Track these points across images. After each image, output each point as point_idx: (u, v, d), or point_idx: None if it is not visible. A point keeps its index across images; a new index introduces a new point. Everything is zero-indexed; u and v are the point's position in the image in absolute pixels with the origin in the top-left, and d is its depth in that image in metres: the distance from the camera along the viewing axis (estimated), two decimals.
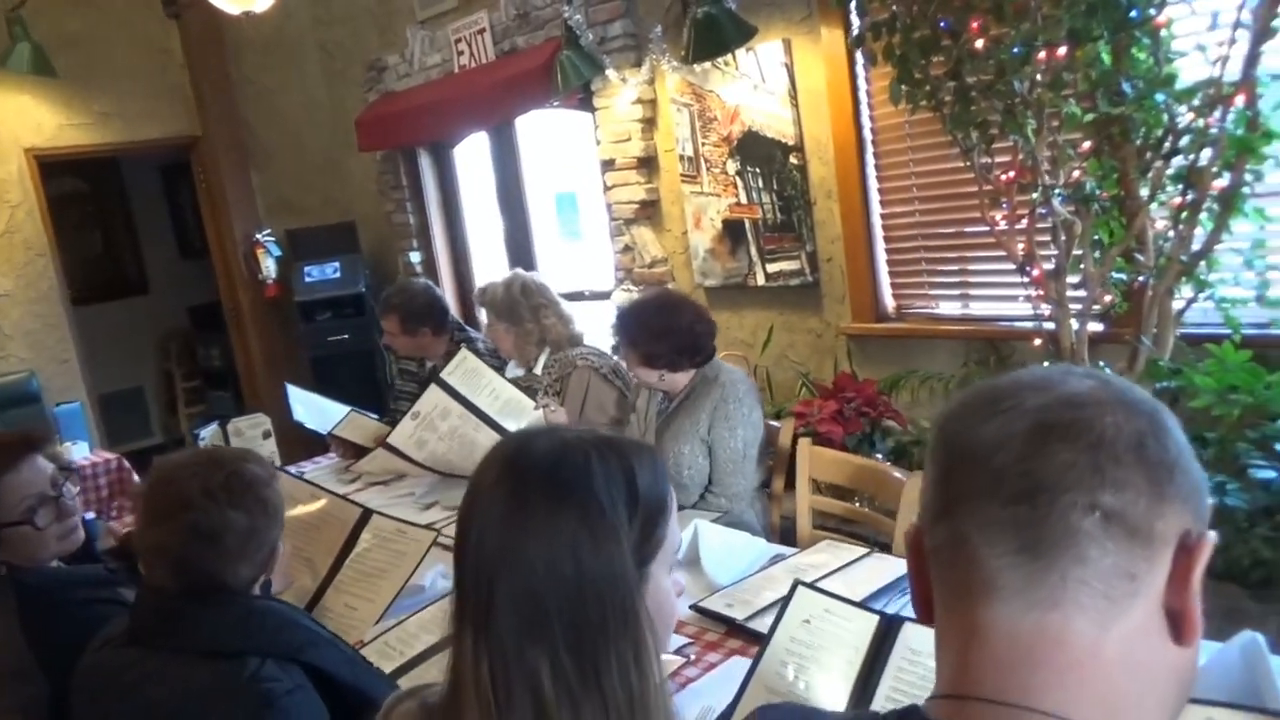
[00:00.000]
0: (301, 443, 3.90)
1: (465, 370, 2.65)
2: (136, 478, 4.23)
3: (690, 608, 1.75)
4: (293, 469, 3.25)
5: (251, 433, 3.28)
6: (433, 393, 2.64)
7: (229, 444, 3.24)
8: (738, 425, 2.34)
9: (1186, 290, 2.43)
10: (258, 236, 5.86)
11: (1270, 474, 2.26)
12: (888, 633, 1.21)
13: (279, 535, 1.43)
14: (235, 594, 1.35)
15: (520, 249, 5.20)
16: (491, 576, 0.84)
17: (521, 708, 0.81)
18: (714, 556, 1.90)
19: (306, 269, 5.63)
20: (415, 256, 5.60)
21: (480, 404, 2.59)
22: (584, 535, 0.84)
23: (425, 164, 5.52)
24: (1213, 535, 0.64)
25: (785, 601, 1.34)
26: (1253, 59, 2.12)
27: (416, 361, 3.50)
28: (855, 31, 3.15)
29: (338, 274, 5.65)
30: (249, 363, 6.16)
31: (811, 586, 1.36)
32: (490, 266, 5.54)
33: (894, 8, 2.64)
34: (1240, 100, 2.16)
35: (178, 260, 7.58)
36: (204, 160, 5.92)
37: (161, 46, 5.73)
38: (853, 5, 3.01)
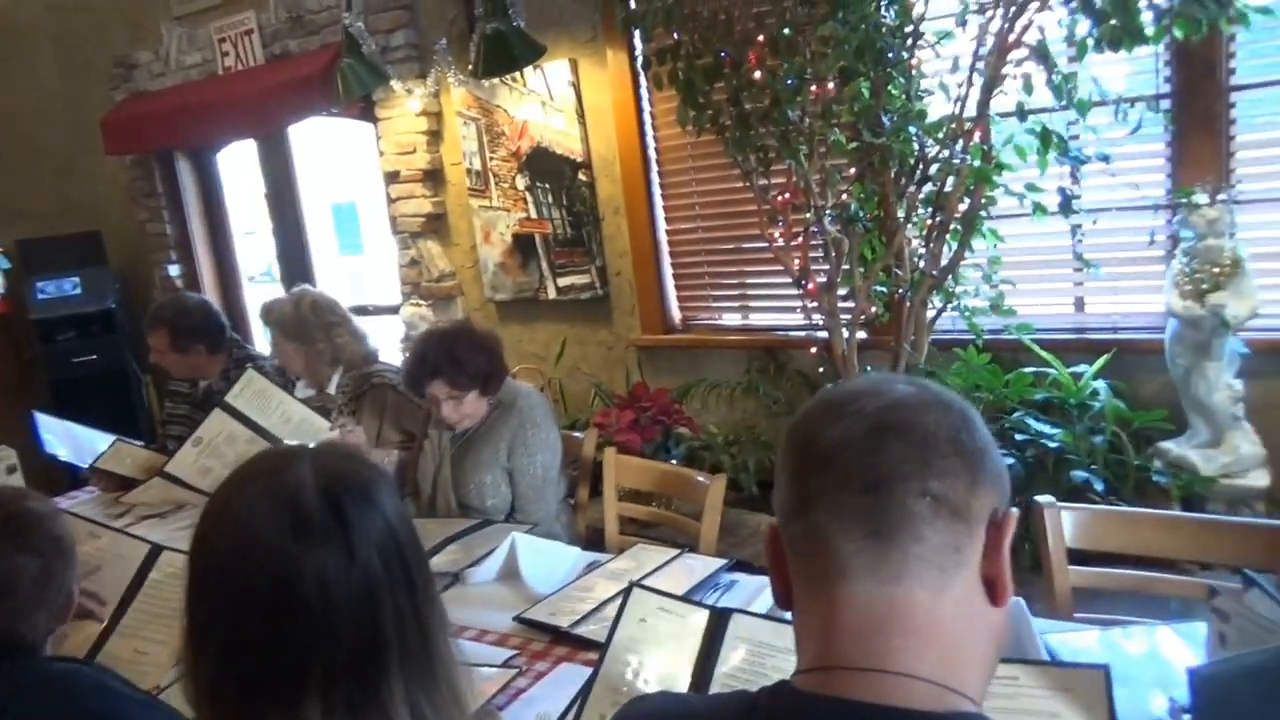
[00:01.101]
0: (51, 477, 3.52)
1: (253, 392, 2.50)
2: None
3: (514, 619, 1.77)
4: None
5: None
6: (216, 418, 2.48)
7: None
8: (537, 451, 2.32)
9: (937, 301, 2.74)
10: None
11: (1010, 460, 2.59)
12: (719, 624, 1.30)
13: (75, 575, 1.31)
14: (32, 654, 1.21)
15: (295, 262, 4.96)
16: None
17: None
18: (533, 567, 1.92)
19: (40, 285, 5.06)
20: (174, 270, 5.19)
21: (270, 427, 2.46)
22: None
23: (184, 170, 5.14)
24: (1015, 511, 0.77)
25: (622, 603, 1.40)
26: (986, 100, 2.43)
27: (189, 382, 3.24)
28: (640, 56, 3.29)
29: (78, 290, 5.11)
30: None
31: (645, 587, 1.43)
32: (261, 280, 5.24)
33: (677, 35, 2.79)
34: (977, 135, 2.48)
35: None
36: None
37: None
38: (636, 31, 3.14)
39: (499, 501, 2.29)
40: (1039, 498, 1.77)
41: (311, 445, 0.98)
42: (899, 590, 0.72)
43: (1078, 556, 1.74)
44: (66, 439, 3.09)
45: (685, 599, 1.42)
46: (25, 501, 1.31)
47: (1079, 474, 2.45)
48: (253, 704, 0.86)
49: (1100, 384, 2.66)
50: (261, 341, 3.98)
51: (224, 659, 0.87)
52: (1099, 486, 2.43)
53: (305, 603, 0.87)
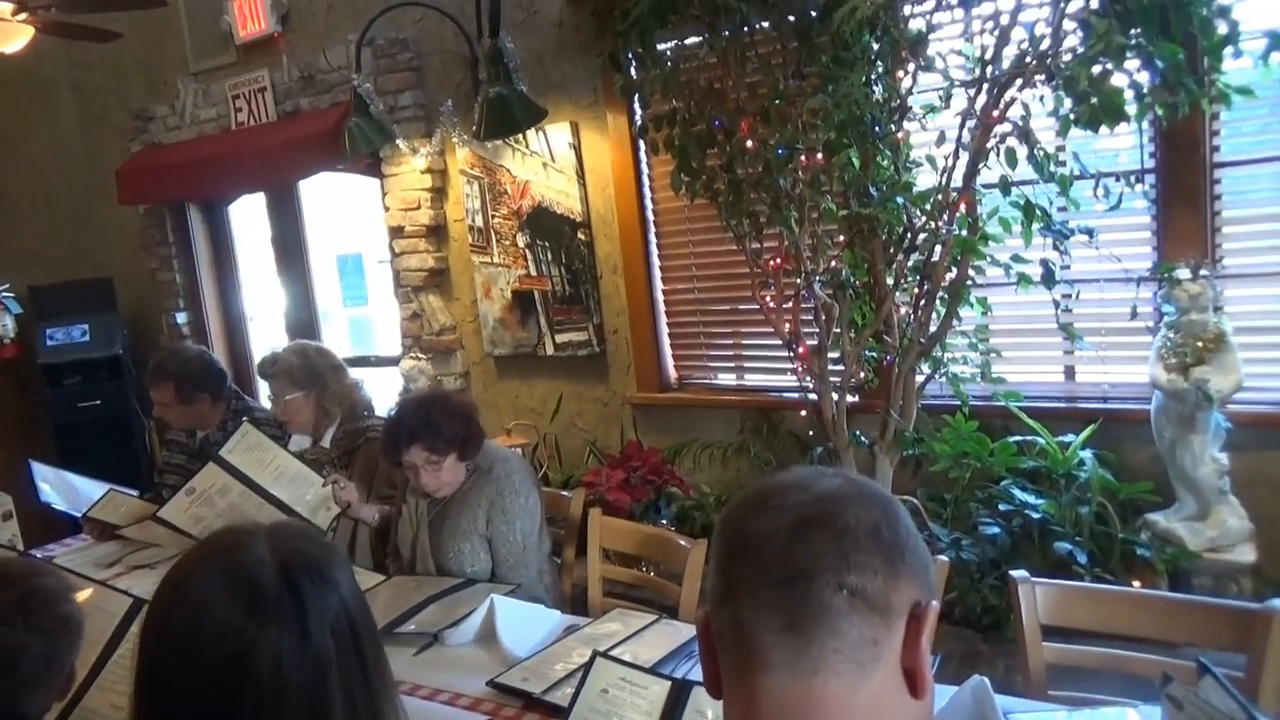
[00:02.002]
0: (46, 523, 3.54)
1: (248, 446, 2.53)
2: None
3: (487, 684, 1.77)
4: (38, 552, 2.96)
5: None
6: (210, 471, 2.50)
7: None
8: (515, 518, 2.31)
9: (926, 368, 2.76)
10: None
11: (995, 530, 2.59)
12: (679, 696, 1.31)
13: (77, 655, 1.32)
14: None
15: (301, 311, 5.03)
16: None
17: None
18: (511, 630, 1.93)
19: (49, 331, 5.13)
20: (182, 317, 5.26)
21: (264, 482, 2.48)
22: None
23: (195, 220, 5.24)
24: (935, 604, 0.79)
25: (584, 673, 1.41)
26: (971, 173, 2.48)
27: (187, 432, 3.28)
28: (638, 121, 3.37)
29: (86, 336, 5.18)
30: None
31: (608, 657, 1.44)
32: (267, 329, 5.31)
33: (674, 103, 2.86)
34: (963, 207, 2.52)
35: None
36: None
37: None
38: (635, 97, 3.22)
39: (479, 569, 2.29)
40: (1014, 572, 1.77)
41: (267, 523, 1.01)
42: (815, 683, 0.73)
43: (1058, 631, 1.74)
44: (61, 487, 3.12)
45: (648, 670, 1.43)
46: (38, 578, 1.32)
47: (1063, 546, 2.45)
48: None
49: (1087, 454, 2.67)
50: (263, 392, 4.03)
51: None
52: (1083, 559, 2.42)
53: (257, 678, 0.89)
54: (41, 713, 1.28)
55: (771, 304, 2.90)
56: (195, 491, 2.54)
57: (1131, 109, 2.24)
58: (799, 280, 2.80)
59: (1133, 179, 2.45)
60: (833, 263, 2.76)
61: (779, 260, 2.85)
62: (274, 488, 2.49)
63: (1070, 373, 2.94)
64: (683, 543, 2.22)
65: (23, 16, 3.48)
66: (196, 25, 4.75)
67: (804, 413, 3.06)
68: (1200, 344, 2.40)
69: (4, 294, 5.30)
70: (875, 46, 2.51)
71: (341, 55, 4.20)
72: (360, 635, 0.95)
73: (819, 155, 2.58)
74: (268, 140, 4.42)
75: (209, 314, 5.29)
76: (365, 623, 0.97)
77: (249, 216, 5.24)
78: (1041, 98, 2.38)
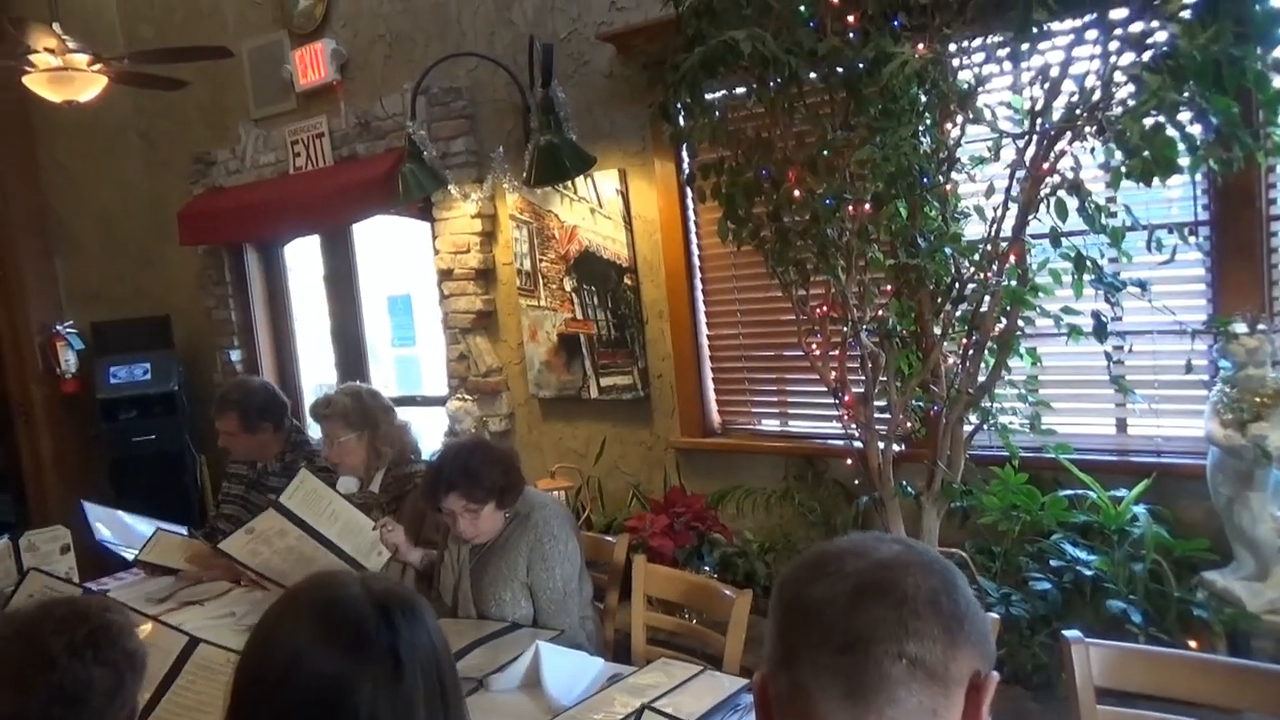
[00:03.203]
0: (102, 556, 3.62)
1: (306, 493, 2.57)
2: None
3: None
4: (93, 585, 3.02)
5: (48, 547, 3.03)
6: (270, 515, 2.55)
7: (20, 559, 2.98)
8: (555, 565, 2.31)
9: (974, 418, 2.73)
10: (58, 328, 5.47)
11: (1046, 585, 2.54)
12: None
13: (140, 690, 1.35)
14: None
15: (351, 350, 5.12)
16: None
17: None
18: (556, 678, 1.93)
19: (112, 370, 5.28)
20: (235, 355, 5.39)
21: (320, 527, 2.52)
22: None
23: (252, 260, 5.38)
24: (996, 675, 0.78)
25: None
26: (1021, 224, 2.47)
27: (247, 464, 3.35)
28: (686, 169, 3.42)
29: (147, 374, 5.33)
30: (37, 463, 5.67)
31: (656, 710, 1.43)
32: (317, 366, 5.41)
33: (721, 151, 2.90)
34: (1013, 258, 2.51)
35: None
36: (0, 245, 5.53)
37: None
38: (684, 147, 3.27)
39: (520, 616, 2.30)
40: (1067, 632, 1.74)
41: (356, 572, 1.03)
42: None
43: (1112, 693, 1.70)
44: (115, 526, 3.21)
45: None
46: (108, 614, 1.36)
47: (1116, 604, 2.39)
48: None
49: (1140, 509, 2.61)
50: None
51: None
52: (1137, 618, 2.37)
53: (354, 716, 0.90)
54: None
55: (817, 351, 2.89)
56: (255, 531, 2.60)
57: (1184, 161, 2.22)
58: (845, 328, 2.80)
59: (1187, 231, 2.42)
60: (879, 311, 2.76)
61: (825, 308, 2.85)
62: (329, 532, 2.54)
63: (1122, 425, 2.89)
64: (728, 592, 2.21)
65: (98, 67, 3.64)
66: (259, 74, 4.93)
67: (849, 461, 3.04)
68: (1258, 400, 2.36)
69: (68, 330, 5.49)
70: (923, 99, 2.52)
71: (397, 103, 4.32)
72: (445, 678, 0.97)
73: (867, 205, 2.59)
74: (324, 184, 4.55)
75: (261, 351, 5.41)
76: (450, 664, 0.99)
77: (302, 255, 5.37)
78: (1092, 150, 2.38)
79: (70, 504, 4.28)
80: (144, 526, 3.17)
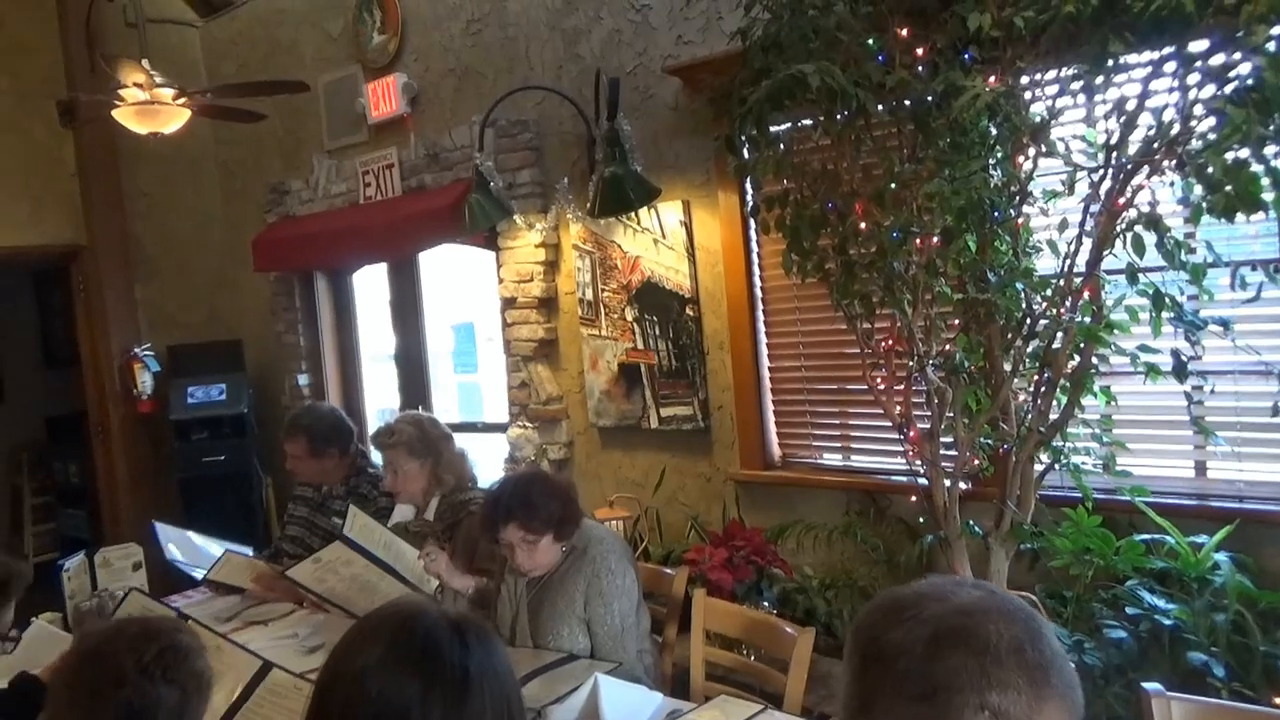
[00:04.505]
0: (167, 575, 3.71)
1: (360, 527, 2.64)
2: None
3: None
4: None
5: (121, 564, 3.12)
6: (336, 547, 2.60)
7: (95, 575, 3.07)
8: (612, 600, 2.30)
9: (1045, 458, 2.66)
10: (135, 351, 5.66)
11: (1121, 634, 2.44)
12: None
13: (204, 710, 1.38)
14: None
15: (414, 376, 5.20)
16: None
17: None
18: (615, 711, 1.92)
19: (190, 389, 5.45)
20: (304, 379, 5.52)
21: (380, 555, 2.58)
22: None
23: (321, 287, 5.52)
24: None
25: None
26: (1096, 260, 2.41)
27: (313, 487, 3.42)
28: (750, 201, 3.41)
29: (223, 395, 5.49)
30: (111, 480, 5.84)
31: None
32: (381, 391, 5.50)
33: (786, 184, 2.89)
34: (1087, 294, 2.45)
35: (40, 369, 7.22)
36: (86, 270, 5.74)
37: (54, 155, 5.61)
38: (748, 179, 3.27)
39: (578, 650, 2.28)
40: (1147, 684, 1.67)
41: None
42: None
43: None
44: (185, 546, 3.30)
45: None
46: (178, 634, 1.40)
47: (1197, 656, 2.29)
48: None
49: (1222, 556, 2.51)
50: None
51: None
52: (1220, 672, 2.26)
53: None
54: None
55: (882, 385, 2.85)
56: (322, 561, 2.65)
57: (1268, 196, 2.15)
58: (911, 363, 2.75)
59: (1273, 269, 2.33)
60: (947, 346, 2.71)
61: (890, 342, 2.81)
62: (385, 558, 2.59)
63: (1201, 469, 2.79)
64: (789, 630, 2.17)
65: (182, 100, 3.79)
66: (333, 107, 5.08)
67: (914, 498, 2.97)
68: None
69: (145, 353, 5.67)
70: (994, 132, 2.49)
71: (465, 135, 4.40)
72: (513, 704, 0.97)
73: (935, 239, 2.55)
74: (393, 214, 4.65)
75: (328, 376, 5.53)
76: (517, 692, 0.99)
77: (370, 283, 5.48)
78: (1171, 184, 2.31)
79: (141, 521, 4.40)
80: (213, 547, 3.25)
